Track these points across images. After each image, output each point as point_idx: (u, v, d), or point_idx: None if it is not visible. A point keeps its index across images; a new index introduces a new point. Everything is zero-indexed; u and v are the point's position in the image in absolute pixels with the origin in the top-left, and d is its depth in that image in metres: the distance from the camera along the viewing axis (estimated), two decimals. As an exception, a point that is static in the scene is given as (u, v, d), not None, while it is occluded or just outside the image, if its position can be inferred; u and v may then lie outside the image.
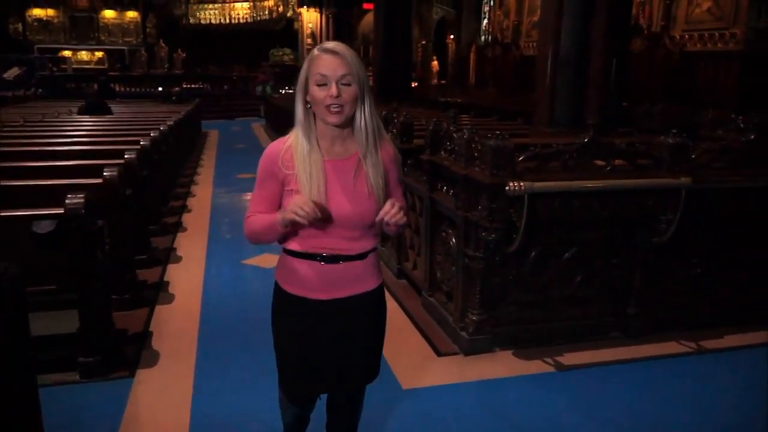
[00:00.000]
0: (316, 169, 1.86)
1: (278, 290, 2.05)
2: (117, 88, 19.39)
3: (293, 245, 1.97)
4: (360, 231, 1.94)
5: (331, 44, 1.87)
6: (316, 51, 1.87)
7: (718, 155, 3.64)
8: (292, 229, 1.90)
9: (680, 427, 2.94)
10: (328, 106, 1.81)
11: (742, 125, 4.13)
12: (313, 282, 1.96)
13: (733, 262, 3.89)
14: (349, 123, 1.89)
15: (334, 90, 1.80)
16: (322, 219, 1.84)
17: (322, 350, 2.02)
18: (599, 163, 3.51)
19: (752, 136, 3.68)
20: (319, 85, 1.82)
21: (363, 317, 2.04)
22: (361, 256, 1.98)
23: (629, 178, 3.44)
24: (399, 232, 2.07)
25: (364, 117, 1.87)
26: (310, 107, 1.88)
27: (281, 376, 2.15)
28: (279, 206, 1.94)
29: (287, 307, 2.03)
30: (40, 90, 16.63)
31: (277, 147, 1.95)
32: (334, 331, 2.00)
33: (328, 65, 1.81)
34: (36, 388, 2.16)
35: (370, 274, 2.03)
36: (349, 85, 1.81)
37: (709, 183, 3.52)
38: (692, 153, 3.55)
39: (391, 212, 1.80)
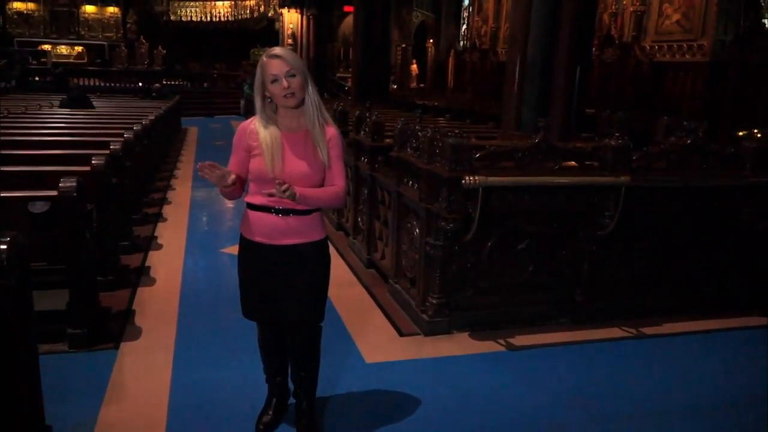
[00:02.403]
0: (275, 140, 2.43)
1: (241, 237, 2.61)
2: (96, 83, 19.50)
3: (254, 199, 2.50)
4: (309, 188, 2.42)
5: (275, 50, 2.44)
6: (264, 58, 2.43)
7: (657, 157, 4.02)
8: (255, 187, 2.48)
9: (617, 400, 3.28)
10: (284, 96, 2.38)
11: (690, 131, 4.51)
12: (267, 230, 2.49)
13: (672, 255, 4.27)
14: (300, 104, 2.44)
15: (285, 83, 2.37)
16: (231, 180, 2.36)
17: (270, 285, 2.56)
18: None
19: (688, 141, 4.05)
20: (272, 83, 2.39)
21: (306, 262, 2.54)
22: (307, 212, 2.49)
23: (575, 176, 3.80)
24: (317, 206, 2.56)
25: (310, 99, 2.44)
26: (270, 101, 2.46)
27: (242, 305, 2.68)
28: (247, 167, 2.50)
29: (246, 251, 2.60)
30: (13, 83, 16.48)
31: (246, 124, 2.54)
32: (281, 271, 2.54)
33: (276, 66, 2.38)
34: (36, 353, 2.42)
35: (313, 227, 2.54)
36: (294, 76, 2.38)
37: (647, 182, 3.90)
38: (633, 155, 3.91)
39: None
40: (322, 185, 2.49)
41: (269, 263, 2.52)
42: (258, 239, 2.52)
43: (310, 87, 2.44)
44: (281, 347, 2.79)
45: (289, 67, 2.37)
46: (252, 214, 2.52)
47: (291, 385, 2.87)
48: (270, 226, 2.48)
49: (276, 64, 2.37)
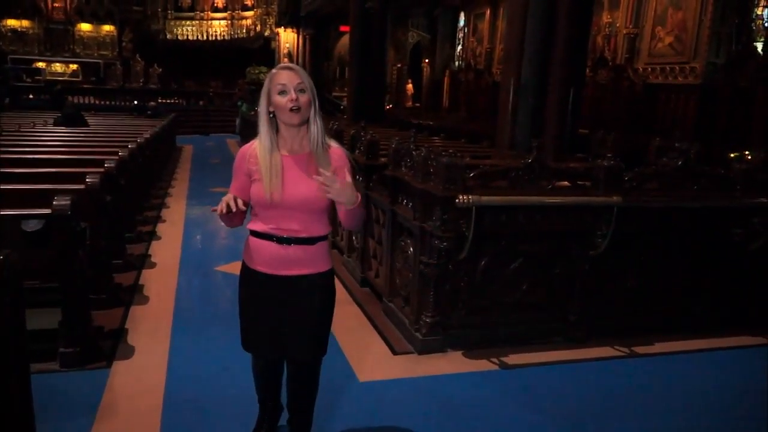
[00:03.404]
0: (275, 163, 2.30)
1: (243, 265, 2.47)
2: (91, 101, 19.55)
3: (256, 226, 2.39)
4: (313, 215, 2.35)
5: (287, 63, 2.38)
6: (274, 70, 2.34)
7: (649, 178, 4.06)
8: (257, 213, 2.37)
9: (609, 419, 3.28)
10: (289, 109, 2.26)
11: (682, 153, 4.56)
12: (269, 259, 2.37)
13: (663, 275, 4.29)
14: (304, 125, 2.33)
15: (293, 95, 2.25)
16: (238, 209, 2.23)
17: (272, 320, 2.42)
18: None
19: (680, 162, 4.10)
20: (280, 93, 2.26)
21: (309, 296, 2.41)
22: (311, 241, 2.37)
23: (567, 196, 3.83)
24: (354, 223, 2.37)
25: (315, 119, 2.33)
26: (273, 116, 2.33)
27: (242, 337, 2.54)
28: (248, 193, 2.36)
29: (247, 280, 2.47)
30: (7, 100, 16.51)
31: (246, 148, 2.41)
32: (284, 305, 2.40)
33: (287, 77, 2.28)
34: (29, 372, 2.40)
35: (318, 258, 2.41)
36: (303, 91, 2.27)
37: (639, 202, 3.93)
38: (625, 175, 3.95)
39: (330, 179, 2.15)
40: (325, 209, 2.36)
41: (271, 295, 2.39)
42: (260, 268, 2.39)
43: (317, 110, 2.33)
44: (277, 376, 2.72)
45: (300, 80, 2.26)
46: (253, 241, 2.40)
47: (283, 400, 2.85)
48: (272, 255, 2.36)
49: (287, 74, 2.27)
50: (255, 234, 2.40)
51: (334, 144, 2.41)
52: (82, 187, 4.20)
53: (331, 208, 2.41)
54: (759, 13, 10.35)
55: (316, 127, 2.32)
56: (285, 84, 2.25)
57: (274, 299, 2.39)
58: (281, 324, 2.42)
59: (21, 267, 2.25)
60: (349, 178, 2.32)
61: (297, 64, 17.80)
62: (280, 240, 2.34)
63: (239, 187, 2.38)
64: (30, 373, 2.40)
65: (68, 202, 3.37)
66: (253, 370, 2.75)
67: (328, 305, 2.49)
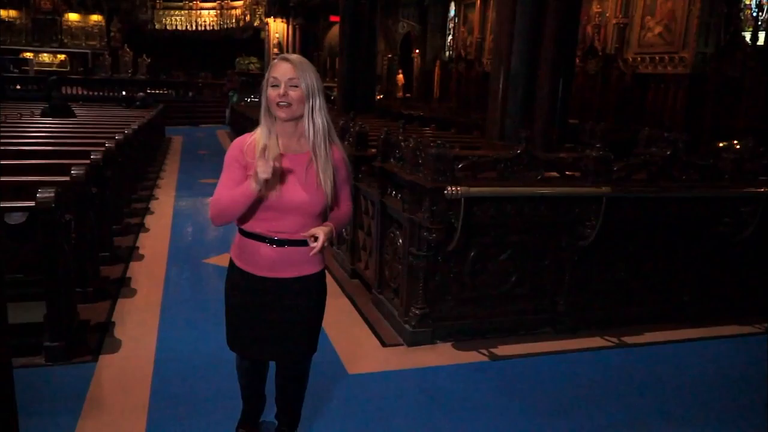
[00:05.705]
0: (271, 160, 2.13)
1: (231, 265, 2.37)
2: (79, 92, 19.37)
3: (248, 226, 2.26)
4: (308, 218, 2.25)
5: (289, 55, 2.25)
6: (274, 60, 2.23)
7: (638, 168, 4.05)
8: (248, 212, 2.21)
9: (598, 409, 3.28)
10: (277, 103, 2.16)
11: (671, 143, 4.56)
12: (261, 261, 2.27)
13: (652, 265, 4.30)
14: (296, 120, 2.21)
15: (282, 89, 2.15)
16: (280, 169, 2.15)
17: (263, 322, 2.33)
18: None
19: (669, 152, 4.10)
20: (272, 86, 2.17)
21: (302, 298, 2.34)
22: (305, 242, 2.22)
23: (556, 186, 3.82)
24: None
25: (311, 117, 2.19)
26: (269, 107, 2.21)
27: (229, 337, 2.45)
28: None
29: (237, 281, 2.35)
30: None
31: (243, 139, 2.28)
32: (275, 307, 2.31)
33: (280, 70, 2.17)
34: (11, 366, 2.37)
35: (312, 260, 2.31)
36: (296, 87, 2.15)
37: (627, 192, 3.93)
38: (614, 165, 3.94)
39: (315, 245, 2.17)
40: (321, 213, 2.28)
41: (263, 297, 2.30)
42: (250, 270, 2.29)
43: (316, 107, 2.18)
44: (262, 373, 2.67)
45: (293, 75, 2.14)
46: (245, 242, 2.29)
47: (269, 392, 2.83)
48: (264, 257, 2.26)
49: (282, 67, 2.16)
50: (247, 234, 2.28)
51: (336, 143, 2.32)
52: (67, 179, 4.15)
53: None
54: (747, 2, 10.37)
55: (311, 125, 2.19)
56: (276, 77, 2.16)
57: (267, 301, 2.30)
58: (273, 326, 2.33)
59: (4, 260, 2.22)
60: (341, 180, 2.30)
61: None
62: (274, 242, 2.24)
63: (234, 181, 2.21)
64: (12, 368, 2.37)
65: (52, 195, 3.33)
66: (237, 367, 2.67)
67: (320, 305, 2.44)
